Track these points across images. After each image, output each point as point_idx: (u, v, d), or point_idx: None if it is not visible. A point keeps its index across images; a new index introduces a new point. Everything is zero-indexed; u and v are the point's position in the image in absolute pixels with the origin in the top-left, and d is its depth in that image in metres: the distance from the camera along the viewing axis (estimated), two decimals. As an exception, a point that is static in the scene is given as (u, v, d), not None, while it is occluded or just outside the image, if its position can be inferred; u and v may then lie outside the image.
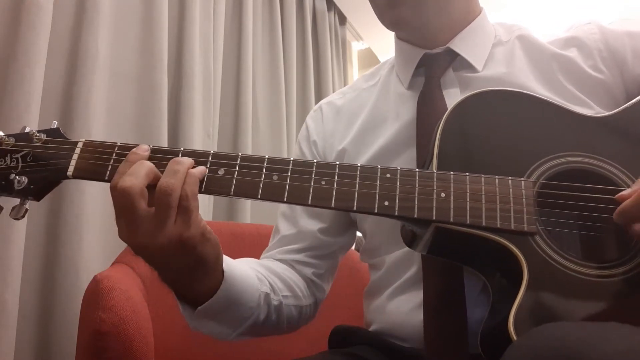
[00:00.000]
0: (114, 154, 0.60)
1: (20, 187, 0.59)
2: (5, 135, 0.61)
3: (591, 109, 0.72)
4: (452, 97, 0.75)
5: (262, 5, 2.21)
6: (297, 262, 0.83)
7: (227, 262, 0.65)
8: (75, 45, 1.30)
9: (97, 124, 1.30)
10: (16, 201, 0.60)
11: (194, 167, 0.58)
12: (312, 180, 0.59)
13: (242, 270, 0.68)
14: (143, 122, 1.45)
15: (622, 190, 0.57)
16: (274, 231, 0.89)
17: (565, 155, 0.62)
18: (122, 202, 0.54)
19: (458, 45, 0.79)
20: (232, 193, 0.58)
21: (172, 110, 1.59)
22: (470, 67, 0.78)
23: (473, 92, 0.65)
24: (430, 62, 0.79)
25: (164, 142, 1.47)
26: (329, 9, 2.80)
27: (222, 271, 0.63)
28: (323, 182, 0.59)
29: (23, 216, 0.60)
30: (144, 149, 0.59)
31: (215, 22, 1.82)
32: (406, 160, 0.77)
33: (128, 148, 0.60)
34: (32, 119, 1.09)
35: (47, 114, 1.20)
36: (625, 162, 0.61)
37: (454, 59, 0.79)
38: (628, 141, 0.64)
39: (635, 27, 0.77)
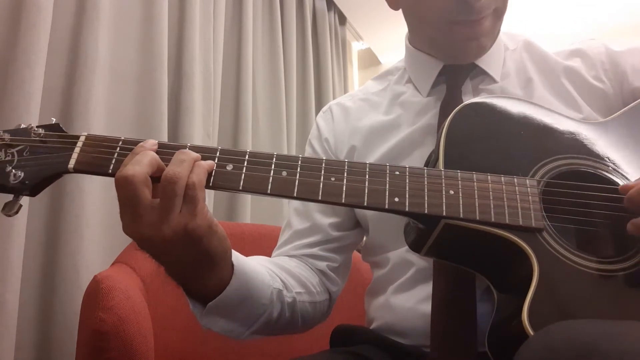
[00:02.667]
0: (118, 148, 0.59)
1: (16, 182, 0.57)
2: (1, 130, 0.60)
3: (581, 112, 0.75)
4: None
5: (262, 5, 2.21)
6: (311, 256, 0.83)
7: (237, 257, 0.64)
8: (75, 45, 1.30)
9: (97, 124, 1.30)
10: (10, 197, 0.58)
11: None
12: (322, 177, 0.59)
13: (253, 266, 0.68)
14: (143, 122, 1.45)
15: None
16: (286, 226, 0.89)
17: (566, 158, 0.64)
18: (126, 191, 0.53)
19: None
20: (240, 188, 0.58)
21: (172, 110, 1.59)
22: (488, 78, 0.81)
23: (474, 99, 0.68)
24: (451, 72, 0.81)
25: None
26: (329, 9, 2.80)
27: (232, 265, 0.63)
28: (333, 179, 0.59)
29: (16, 212, 0.58)
30: (151, 143, 0.58)
31: (215, 22, 1.82)
32: (416, 161, 0.77)
33: (133, 142, 0.59)
34: (32, 119, 1.09)
35: (47, 114, 1.20)
36: (623, 165, 0.64)
37: (472, 69, 0.81)
38: (624, 145, 0.67)
39: (635, 44, 0.81)
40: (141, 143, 0.58)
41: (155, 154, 0.57)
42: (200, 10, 1.72)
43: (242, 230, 1.29)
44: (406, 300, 0.75)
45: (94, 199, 1.24)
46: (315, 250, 0.83)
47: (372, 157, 0.82)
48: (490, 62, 0.81)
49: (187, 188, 0.54)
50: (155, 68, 1.49)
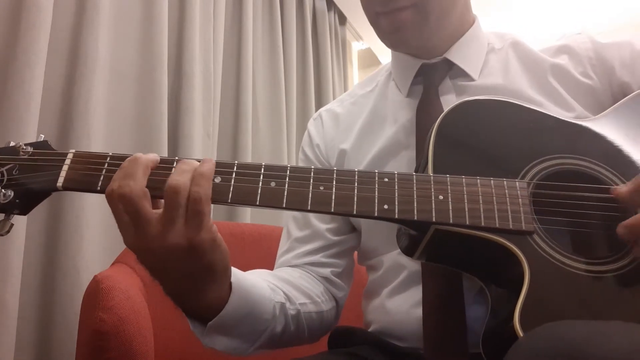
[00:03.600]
0: (106, 164, 0.59)
1: (6, 201, 0.57)
2: None
3: (573, 111, 0.74)
4: (449, 103, 0.76)
5: (262, 5, 2.21)
6: (313, 264, 0.82)
7: (236, 273, 0.63)
8: (75, 45, 1.30)
9: (97, 124, 1.30)
10: (1, 216, 0.58)
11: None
12: (311, 186, 0.58)
13: (253, 281, 0.66)
14: (143, 122, 1.45)
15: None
16: (285, 234, 0.88)
17: (555, 158, 0.63)
18: (125, 208, 0.53)
19: (454, 55, 0.80)
20: (229, 200, 0.57)
21: (172, 110, 1.59)
22: (466, 76, 0.80)
23: (463, 100, 0.67)
24: (428, 71, 0.81)
25: (164, 142, 1.47)
26: (329, 9, 2.80)
27: (230, 283, 0.61)
28: (321, 187, 0.58)
29: (8, 231, 0.57)
30: (139, 156, 0.57)
31: (215, 22, 1.82)
32: (403, 161, 0.78)
33: (121, 158, 0.58)
34: (32, 119, 1.10)
35: (47, 114, 1.20)
36: (612, 163, 0.64)
37: (450, 68, 0.81)
38: (613, 142, 0.66)
39: (622, 38, 0.80)
40: (129, 157, 0.57)
41: (146, 158, 0.56)
42: (200, 10, 1.72)
43: (242, 230, 1.28)
44: (401, 303, 0.75)
45: (94, 199, 1.24)
46: (317, 258, 0.83)
47: (363, 161, 0.82)
48: (466, 59, 0.80)
49: (194, 202, 0.53)
50: (155, 68, 1.49)
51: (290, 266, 0.83)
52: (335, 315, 0.84)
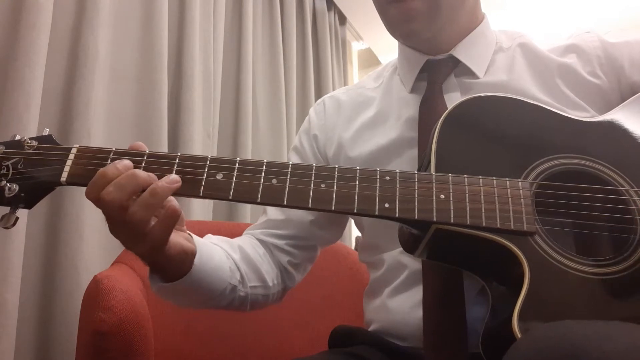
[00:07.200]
0: (109, 159, 0.59)
1: (11, 195, 0.57)
2: None
3: (587, 112, 0.73)
4: (454, 101, 0.76)
5: (262, 5, 2.21)
6: (276, 248, 0.84)
7: (202, 256, 0.67)
8: (75, 45, 1.30)
9: (97, 124, 1.30)
10: (6, 209, 0.59)
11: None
12: (312, 183, 0.59)
13: (216, 265, 0.71)
14: (143, 122, 1.45)
15: (617, 190, 0.60)
16: (263, 212, 0.90)
17: (559, 157, 0.63)
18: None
19: (460, 52, 0.80)
20: (231, 197, 0.58)
21: (172, 110, 1.59)
22: (471, 74, 0.80)
23: (468, 97, 0.67)
24: (433, 68, 0.81)
25: (164, 142, 1.47)
26: (329, 9, 2.80)
27: (191, 264, 0.66)
28: (323, 185, 0.59)
29: (13, 224, 0.58)
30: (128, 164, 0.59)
31: (215, 22, 1.82)
32: (406, 160, 0.78)
33: (124, 153, 0.59)
34: (32, 119, 1.10)
35: (47, 114, 1.20)
36: (617, 162, 0.63)
37: (456, 65, 0.80)
38: (618, 142, 0.66)
39: (632, 37, 0.79)
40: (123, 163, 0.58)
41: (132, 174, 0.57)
42: (200, 10, 1.72)
43: (241, 230, 1.28)
44: (402, 303, 0.76)
45: (94, 199, 1.24)
46: (282, 243, 0.84)
47: (360, 154, 0.82)
48: (472, 57, 0.80)
49: (136, 224, 0.56)
50: (155, 68, 1.49)
51: (259, 240, 0.85)
52: (280, 297, 0.86)
